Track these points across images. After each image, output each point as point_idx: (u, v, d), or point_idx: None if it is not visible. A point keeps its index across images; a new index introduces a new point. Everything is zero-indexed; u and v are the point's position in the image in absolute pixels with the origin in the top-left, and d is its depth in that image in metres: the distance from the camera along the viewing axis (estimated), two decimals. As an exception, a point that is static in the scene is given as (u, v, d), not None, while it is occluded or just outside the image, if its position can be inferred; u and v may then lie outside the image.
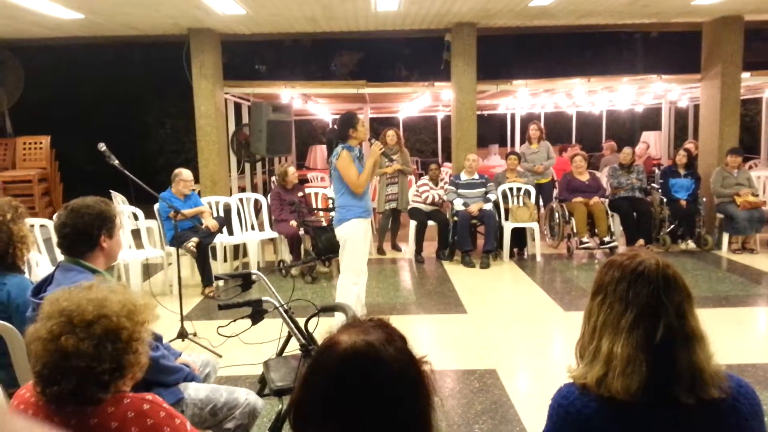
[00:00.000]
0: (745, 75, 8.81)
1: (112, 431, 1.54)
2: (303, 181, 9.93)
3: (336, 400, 1.16)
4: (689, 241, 8.21)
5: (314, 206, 7.99)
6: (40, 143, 8.87)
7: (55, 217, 2.60)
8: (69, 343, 1.52)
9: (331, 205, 7.44)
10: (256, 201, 7.89)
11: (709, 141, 8.85)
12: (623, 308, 1.49)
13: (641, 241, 8.00)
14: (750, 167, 10.98)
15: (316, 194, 8.41)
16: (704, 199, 8.32)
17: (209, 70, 8.10)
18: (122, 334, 1.58)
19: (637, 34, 18.48)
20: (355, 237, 4.68)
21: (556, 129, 18.24)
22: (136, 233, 6.70)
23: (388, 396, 1.17)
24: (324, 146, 15.04)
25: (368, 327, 1.25)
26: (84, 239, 2.46)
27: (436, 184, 8.13)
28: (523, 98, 11.78)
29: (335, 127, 4.82)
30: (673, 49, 18.77)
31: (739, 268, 7.24)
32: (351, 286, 4.75)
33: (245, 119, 9.64)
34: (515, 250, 8.04)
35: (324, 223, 7.26)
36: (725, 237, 8.07)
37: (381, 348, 1.20)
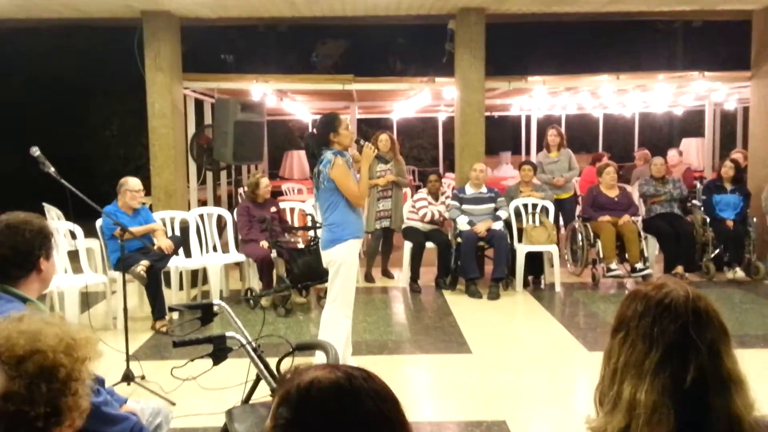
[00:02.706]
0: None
1: None
2: (276, 194, 9.84)
3: None
4: (737, 269, 8.18)
5: (289, 224, 7.94)
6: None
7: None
8: None
9: (309, 223, 7.38)
10: (220, 217, 7.80)
11: (760, 150, 8.95)
12: (647, 347, 1.51)
13: (680, 269, 8.02)
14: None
15: (292, 210, 8.34)
16: (755, 219, 8.31)
17: (166, 60, 8.04)
18: (59, 373, 1.57)
19: (676, 23, 18.65)
20: (351, 261, 4.73)
21: (580, 134, 18.13)
22: (73, 255, 6.62)
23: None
24: (302, 152, 14.95)
25: (338, 366, 1.29)
26: (21, 262, 2.46)
27: (437, 199, 8.07)
28: (540, 97, 11.71)
29: (314, 131, 4.85)
30: (718, 41, 18.97)
31: (797, 301, 7.26)
32: (342, 319, 4.77)
33: (208, 119, 9.59)
34: (530, 278, 8.01)
35: (301, 245, 7.23)
36: (780, 264, 8.09)
37: (361, 381, 1.25)
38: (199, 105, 9.52)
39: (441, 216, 8.04)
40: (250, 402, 3.17)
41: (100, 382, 2.63)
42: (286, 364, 2.76)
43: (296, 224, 8.12)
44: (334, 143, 4.71)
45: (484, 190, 7.97)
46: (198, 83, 8.89)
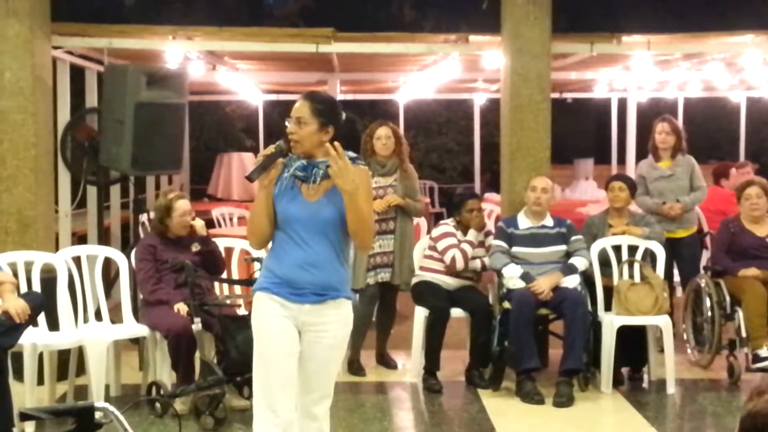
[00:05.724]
0: None
1: None
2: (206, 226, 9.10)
3: None
4: None
5: (224, 274, 6.94)
6: None
7: None
8: None
9: (257, 274, 6.33)
10: (108, 263, 7.04)
11: None
12: None
13: None
14: None
15: (229, 251, 7.05)
16: None
17: (25, 1, 6.99)
18: None
19: None
20: (258, 327, 4.20)
21: (709, 131, 16.34)
22: None
23: None
24: (247, 156, 13.35)
25: None
26: None
27: (471, 236, 6.99)
28: (642, 70, 10.61)
29: None
30: None
31: None
32: (264, 426, 4.10)
33: (92, 99, 8.86)
34: (625, 370, 6.92)
35: (243, 310, 6.57)
36: None
37: None
38: (77, 75, 8.69)
39: (472, 260, 6.95)
40: None
41: None
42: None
43: (234, 273, 7.12)
44: None
45: (548, 222, 6.86)
46: (77, 39, 7.74)
